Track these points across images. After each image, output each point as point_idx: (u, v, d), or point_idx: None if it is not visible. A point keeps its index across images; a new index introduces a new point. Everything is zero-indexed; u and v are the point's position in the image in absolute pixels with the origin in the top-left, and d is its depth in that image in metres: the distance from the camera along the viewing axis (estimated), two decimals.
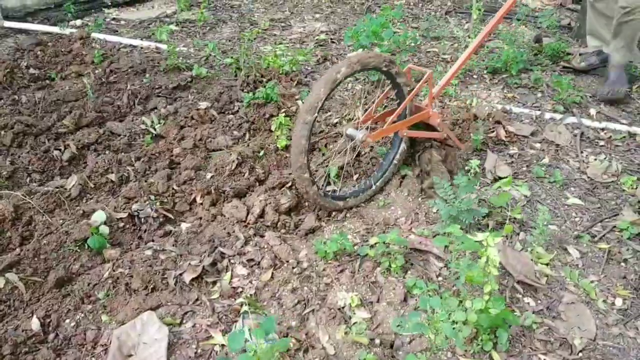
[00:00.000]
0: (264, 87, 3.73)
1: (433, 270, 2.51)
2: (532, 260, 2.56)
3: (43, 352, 2.15)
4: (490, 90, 3.98)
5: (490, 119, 3.57)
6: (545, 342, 2.21)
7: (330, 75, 2.55)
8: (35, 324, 2.26)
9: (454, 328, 2.00)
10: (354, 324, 2.24)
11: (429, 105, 2.99)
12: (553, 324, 2.29)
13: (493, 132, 3.46)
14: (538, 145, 3.41)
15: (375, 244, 2.55)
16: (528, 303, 2.39)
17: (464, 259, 2.31)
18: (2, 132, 3.40)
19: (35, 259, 2.54)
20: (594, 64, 4.15)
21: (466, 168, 2.92)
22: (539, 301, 2.40)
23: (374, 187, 2.98)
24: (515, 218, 2.79)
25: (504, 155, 3.30)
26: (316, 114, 2.55)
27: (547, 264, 2.57)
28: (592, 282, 2.49)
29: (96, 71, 4.15)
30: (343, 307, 2.31)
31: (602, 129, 3.54)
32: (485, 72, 4.18)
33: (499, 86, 4.04)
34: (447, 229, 2.42)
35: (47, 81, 4.08)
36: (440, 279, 2.48)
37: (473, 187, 2.66)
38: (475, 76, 4.17)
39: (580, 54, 4.24)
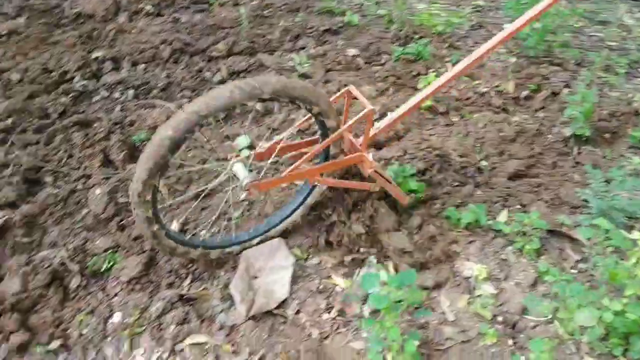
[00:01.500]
0: (416, 43, 3.65)
1: (568, 261, 2.38)
2: None
3: None
4: None
5: None
6: None
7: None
8: (175, 227, 2.40)
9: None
10: (478, 296, 2.19)
11: (364, 147, 2.22)
12: None
13: None
14: None
15: (512, 221, 2.45)
16: None
17: (609, 255, 2.17)
18: (162, 46, 3.58)
19: (179, 170, 2.68)
20: None
21: (623, 164, 2.72)
22: None
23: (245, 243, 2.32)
24: None
25: None
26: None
27: None
28: None
29: (252, 3, 4.24)
30: (469, 278, 2.26)
31: None
32: None
33: None
34: (594, 221, 2.28)
35: (206, 5, 4.23)
36: (574, 271, 2.35)
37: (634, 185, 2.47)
38: None
39: None
